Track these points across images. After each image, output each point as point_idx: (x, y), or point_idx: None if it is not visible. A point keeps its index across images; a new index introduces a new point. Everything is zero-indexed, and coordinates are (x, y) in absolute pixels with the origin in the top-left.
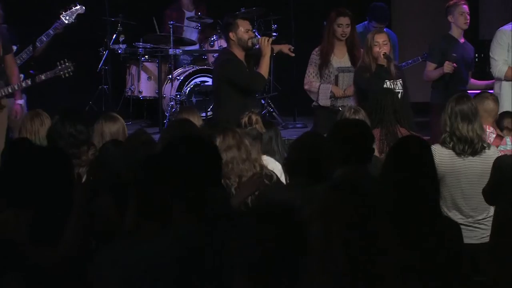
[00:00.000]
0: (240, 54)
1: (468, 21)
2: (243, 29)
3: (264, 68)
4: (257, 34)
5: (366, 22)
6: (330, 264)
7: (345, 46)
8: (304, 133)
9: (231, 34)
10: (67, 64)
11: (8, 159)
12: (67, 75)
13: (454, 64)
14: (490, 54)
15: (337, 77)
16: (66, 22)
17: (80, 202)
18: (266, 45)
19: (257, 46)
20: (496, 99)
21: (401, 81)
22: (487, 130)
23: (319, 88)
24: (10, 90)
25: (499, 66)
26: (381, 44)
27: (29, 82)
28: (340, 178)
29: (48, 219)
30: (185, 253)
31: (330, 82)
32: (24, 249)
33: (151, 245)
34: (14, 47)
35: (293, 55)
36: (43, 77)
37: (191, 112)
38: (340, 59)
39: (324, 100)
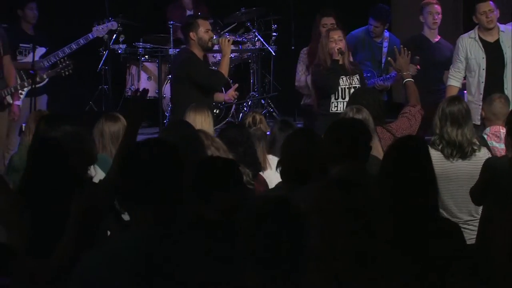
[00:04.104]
0: (199, 54)
1: (437, 21)
2: (203, 29)
3: (225, 67)
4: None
5: (367, 26)
6: (327, 262)
7: None
8: (296, 130)
9: (191, 34)
10: (67, 62)
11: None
12: (67, 73)
13: (417, 66)
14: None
15: None
16: (97, 35)
17: (78, 212)
18: (226, 45)
19: (217, 47)
20: (504, 101)
21: (357, 77)
22: (501, 130)
23: (306, 80)
24: (13, 90)
25: None
26: (336, 39)
27: (30, 81)
28: (336, 176)
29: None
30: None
31: None
32: (23, 257)
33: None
34: (43, 49)
35: (230, 99)
36: (45, 76)
37: (200, 110)
38: None
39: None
